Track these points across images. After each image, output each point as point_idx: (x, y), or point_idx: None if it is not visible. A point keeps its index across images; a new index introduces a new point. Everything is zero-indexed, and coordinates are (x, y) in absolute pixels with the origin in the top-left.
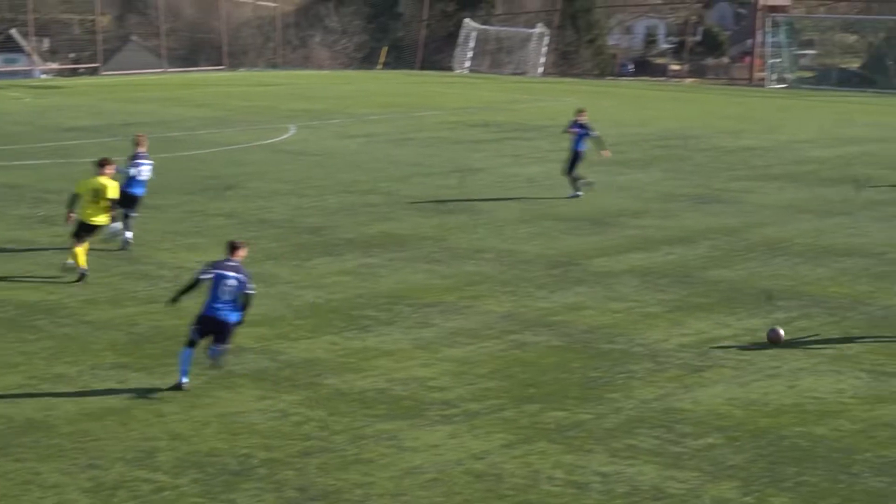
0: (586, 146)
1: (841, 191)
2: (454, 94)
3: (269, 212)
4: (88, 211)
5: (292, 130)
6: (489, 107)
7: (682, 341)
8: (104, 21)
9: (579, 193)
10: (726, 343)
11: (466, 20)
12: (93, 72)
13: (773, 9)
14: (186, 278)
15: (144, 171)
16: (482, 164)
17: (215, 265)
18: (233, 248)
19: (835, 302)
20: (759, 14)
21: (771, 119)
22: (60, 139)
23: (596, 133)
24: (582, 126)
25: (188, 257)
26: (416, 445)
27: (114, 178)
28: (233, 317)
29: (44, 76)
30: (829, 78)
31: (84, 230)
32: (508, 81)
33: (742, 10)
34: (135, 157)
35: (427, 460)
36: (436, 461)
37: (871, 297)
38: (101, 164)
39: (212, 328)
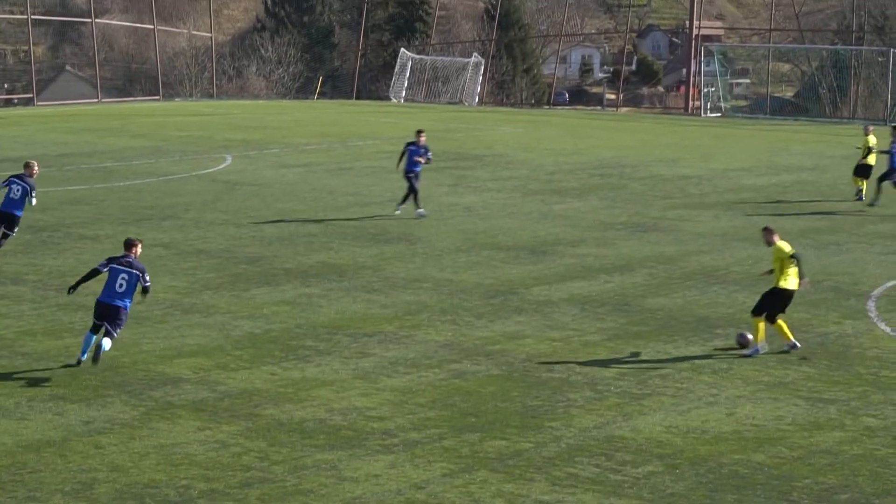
0: (420, 167)
1: (776, 218)
2: (391, 123)
3: (207, 242)
4: None
5: (228, 160)
6: (426, 136)
7: (622, 369)
8: (38, 51)
9: (421, 211)
10: (665, 371)
11: (402, 50)
12: (27, 102)
13: (707, 38)
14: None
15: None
16: (420, 193)
17: (111, 259)
18: (128, 245)
19: (772, 329)
20: (693, 43)
21: (706, 147)
22: None
23: (430, 156)
24: (418, 147)
25: None
26: (357, 475)
27: None
28: (125, 304)
29: None
30: (764, 107)
31: None
32: (445, 111)
33: (676, 40)
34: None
35: (367, 490)
36: (376, 491)
37: (808, 325)
38: None
39: (106, 313)
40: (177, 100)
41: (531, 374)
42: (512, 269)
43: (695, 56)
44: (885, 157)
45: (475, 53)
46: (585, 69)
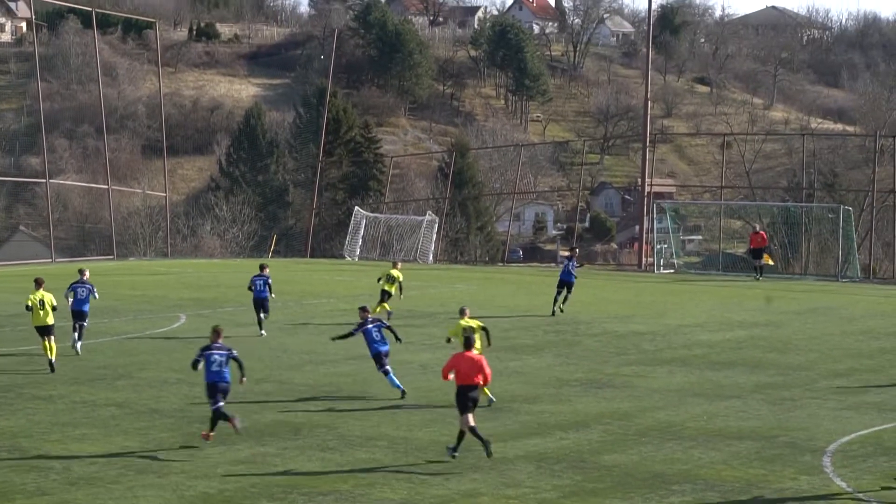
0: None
1: (731, 374)
2: (345, 281)
3: (161, 401)
4: None
5: (182, 319)
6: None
7: None
8: None
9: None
10: None
11: (356, 208)
12: None
13: (659, 195)
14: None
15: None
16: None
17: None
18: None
19: (728, 486)
20: (645, 201)
21: (660, 304)
22: None
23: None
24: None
25: (79, 448)
26: None
27: None
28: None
29: None
30: (716, 263)
31: None
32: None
33: (629, 197)
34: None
35: None
36: None
37: (765, 481)
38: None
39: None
40: (131, 259)
41: None
42: None
43: (647, 213)
44: None
45: (429, 211)
46: (539, 226)
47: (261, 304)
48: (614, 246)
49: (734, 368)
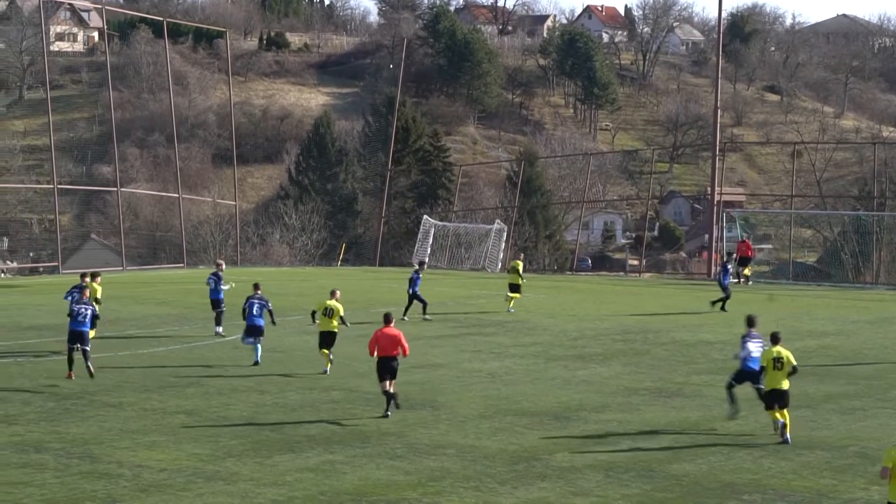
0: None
1: (800, 384)
2: None
3: (230, 409)
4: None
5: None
6: (449, 302)
7: None
8: (63, 220)
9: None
10: None
11: (425, 217)
12: (52, 270)
13: (729, 204)
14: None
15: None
16: (442, 359)
17: (247, 298)
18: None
19: (798, 496)
20: (714, 209)
21: (729, 313)
22: (20, 338)
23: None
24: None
25: (148, 456)
26: None
27: None
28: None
29: (3, 275)
30: (786, 272)
31: None
32: (467, 277)
33: (698, 206)
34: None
35: None
36: None
37: (835, 491)
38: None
39: (255, 332)
40: (201, 267)
41: None
42: (535, 434)
43: (717, 222)
44: None
45: (497, 220)
46: (608, 235)
47: (217, 305)
48: (683, 255)
49: (804, 378)
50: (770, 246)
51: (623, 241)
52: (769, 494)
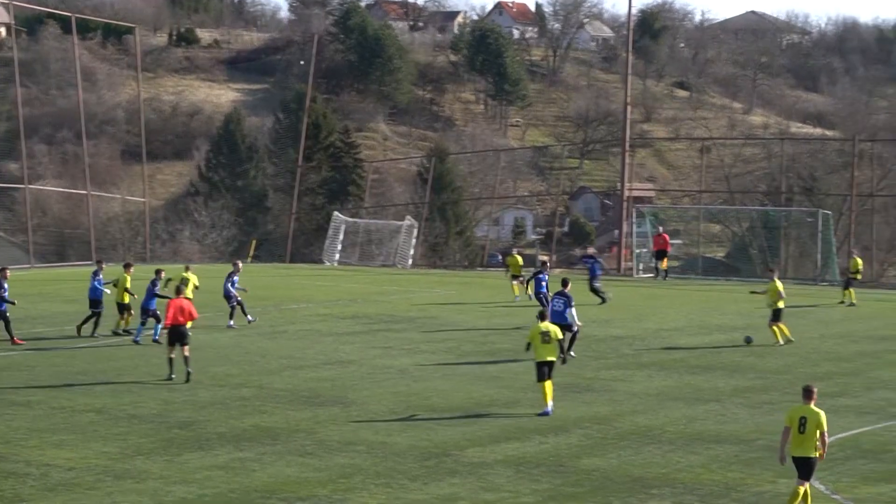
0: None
1: (710, 378)
2: (324, 286)
3: (139, 407)
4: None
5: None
6: (359, 299)
7: None
8: None
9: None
10: None
11: (336, 213)
12: None
13: (639, 200)
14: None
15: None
16: (353, 356)
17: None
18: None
19: (707, 489)
20: (624, 205)
21: (639, 308)
22: None
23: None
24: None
25: (57, 454)
26: None
27: None
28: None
29: None
30: (696, 267)
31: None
32: (378, 273)
33: (608, 201)
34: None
35: None
36: None
37: (743, 484)
38: None
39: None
40: (110, 265)
41: None
42: (446, 430)
43: (626, 217)
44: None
45: (408, 216)
46: (518, 231)
47: (95, 304)
48: (593, 250)
49: (713, 372)
50: (680, 241)
51: (533, 236)
52: (678, 488)
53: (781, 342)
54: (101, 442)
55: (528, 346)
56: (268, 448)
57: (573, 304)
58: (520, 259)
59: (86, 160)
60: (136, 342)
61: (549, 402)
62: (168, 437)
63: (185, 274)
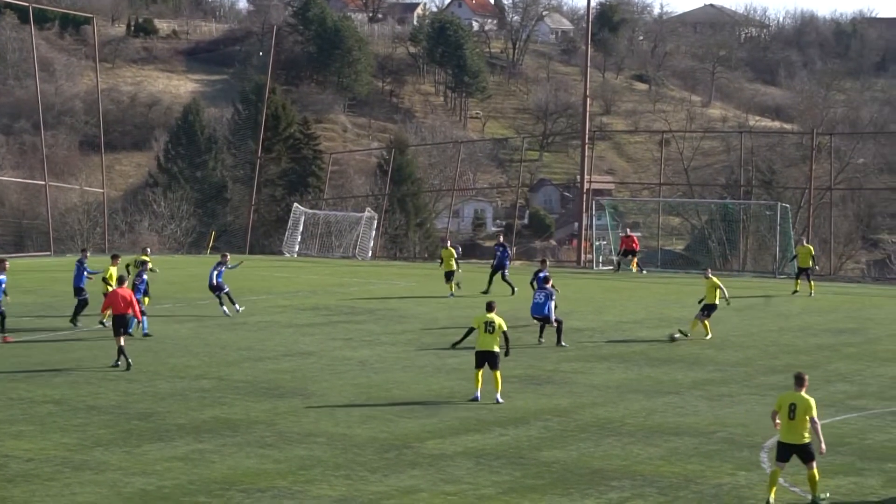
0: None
1: (669, 371)
2: (284, 278)
3: (98, 398)
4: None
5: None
6: (319, 290)
7: None
8: None
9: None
10: None
11: (295, 205)
12: None
13: (598, 192)
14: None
15: None
16: (313, 347)
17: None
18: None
19: (667, 481)
20: (584, 197)
21: (599, 300)
22: None
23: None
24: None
25: (15, 445)
26: None
27: None
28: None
29: None
30: (655, 260)
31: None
32: (338, 265)
33: (568, 194)
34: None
35: None
36: None
37: (703, 476)
38: None
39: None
40: (68, 255)
41: None
42: (406, 422)
43: (586, 210)
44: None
45: (368, 208)
46: (478, 223)
47: (80, 292)
48: (553, 243)
49: (672, 365)
50: (639, 234)
51: (493, 228)
52: (638, 480)
53: (709, 336)
54: (59, 433)
55: (471, 330)
56: (227, 439)
57: (555, 297)
58: (453, 251)
59: (43, 150)
60: (146, 335)
61: (479, 390)
62: (127, 429)
63: (142, 257)
